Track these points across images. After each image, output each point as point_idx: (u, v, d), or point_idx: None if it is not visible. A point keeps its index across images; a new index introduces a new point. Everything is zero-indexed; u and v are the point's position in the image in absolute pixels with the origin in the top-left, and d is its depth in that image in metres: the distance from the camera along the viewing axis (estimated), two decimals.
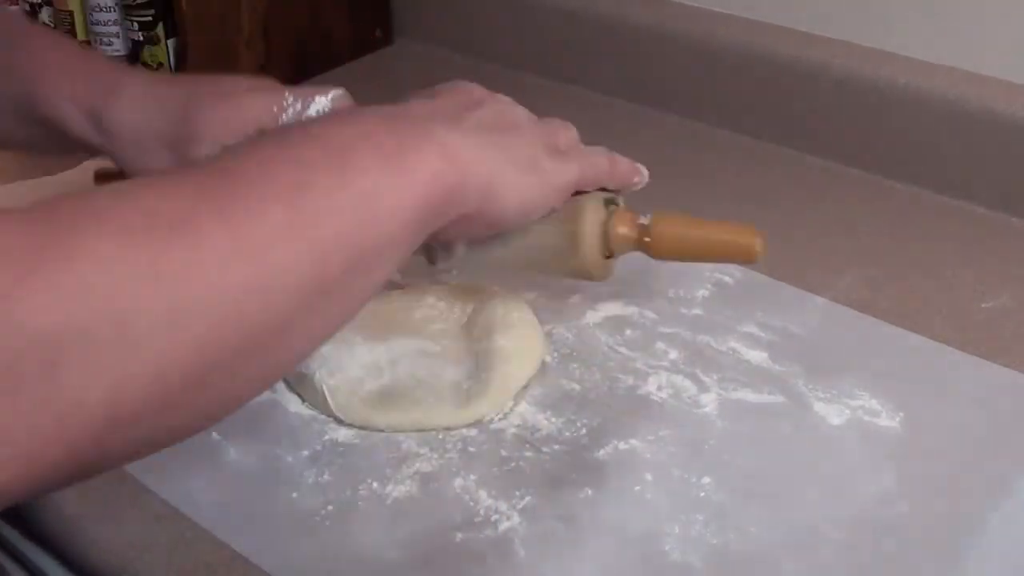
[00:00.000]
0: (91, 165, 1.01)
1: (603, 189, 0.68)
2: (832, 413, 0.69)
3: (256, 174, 0.45)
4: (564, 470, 0.65)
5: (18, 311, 0.35)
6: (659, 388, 0.71)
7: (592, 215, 0.66)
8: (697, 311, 0.78)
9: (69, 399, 0.37)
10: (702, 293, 0.80)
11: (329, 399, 0.68)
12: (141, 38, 1.05)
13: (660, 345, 0.74)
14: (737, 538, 0.61)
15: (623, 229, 0.67)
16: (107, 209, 0.40)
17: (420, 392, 0.68)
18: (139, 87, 0.66)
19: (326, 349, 0.68)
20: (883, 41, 0.93)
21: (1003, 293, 0.80)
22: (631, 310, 0.77)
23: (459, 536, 0.61)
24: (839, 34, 0.95)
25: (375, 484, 0.64)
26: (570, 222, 0.65)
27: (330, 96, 0.66)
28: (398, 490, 0.64)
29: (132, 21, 1.05)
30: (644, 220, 0.67)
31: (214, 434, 0.68)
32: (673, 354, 0.74)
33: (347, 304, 0.48)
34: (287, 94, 0.65)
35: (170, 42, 1.06)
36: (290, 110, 0.65)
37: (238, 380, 0.44)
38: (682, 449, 0.66)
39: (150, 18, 1.04)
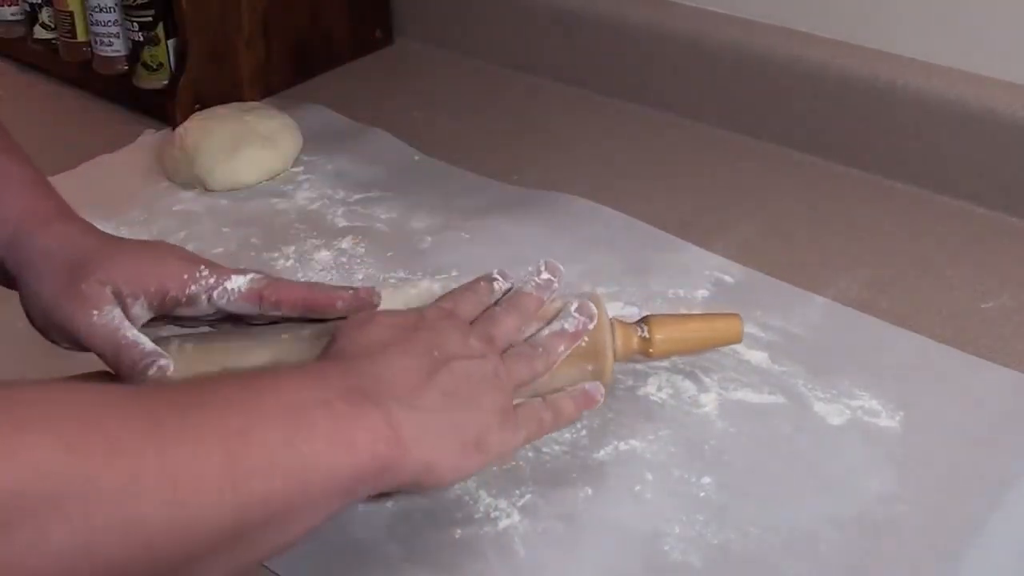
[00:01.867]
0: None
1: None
2: (832, 413, 0.69)
3: (208, 414, 0.47)
4: (564, 470, 0.65)
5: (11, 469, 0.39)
6: (659, 388, 0.71)
7: (611, 352, 0.66)
8: (697, 311, 0.78)
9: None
10: (702, 293, 0.80)
11: None
12: (141, 38, 1.05)
13: None
14: (737, 538, 0.61)
15: (629, 345, 0.68)
16: (59, 417, 0.43)
17: None
18: (74, 223, 0.66)
19: None
20: (883, 41, 0.93)
21: (1003, 293, 0.80)
22: (631, 310, 0.77)
23: (459, 532, 0.61)
24: (839, 34, 0.95)
25: None
26: (593, 358, 0.66)
27: (248, 277, 0.64)
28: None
29: (132, 21, 1.05)
30: (642, 331, 0.68)
31: None
32: None
33: (255, 553, 0.49)
34: (203, 267, 0.64)
35: (170, 42, 1.06)
36: (202, 282, 0.64)
37: None
38: (682, 449, 0.66)
39: (150, 18, 1.04)
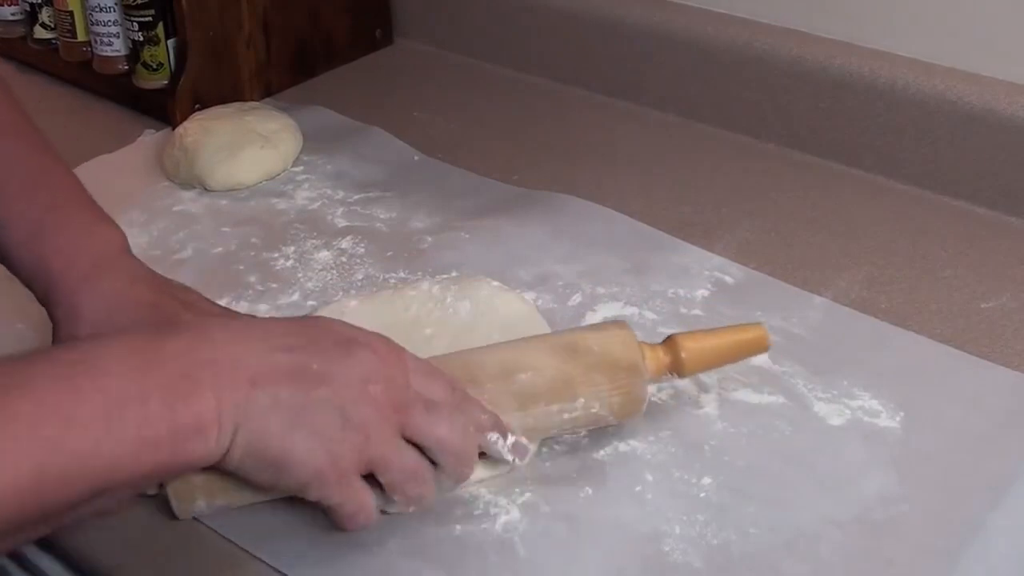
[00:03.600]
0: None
1: None
2: (832, 413, 0.69)
3: (22, 423, 0.46)
4: (564, 470, 0.65)
5: None
6: (659, 389, 0.71)
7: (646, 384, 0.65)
8: (697, 311, 0.78)
9: None
10: (702, 293, 0.80)
11: None
12: (141, 38, 1.05)
13: None
14: (737, 538, 0.61)
15: (658, 369, 0.65)
16: None
17: None
18: (118, 283, 0.67)
19: None
20: (883, 41, 0.93)
21: (1003, 293, 0.80)
22: (631, 310, 0.78)
23: (458, 528, 0.61)
24: (839, 34, 0.95)
25: None
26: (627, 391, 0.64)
27: None
28: None
29: (132, 21, 1.05)
30: (667, 354, 0.65)
31: None
32: None
33: (58, 527, 0.51)
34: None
35: (170, 42, 1.06)
36: None
37: None
38: (682, 449, 0.66)
39: (150, 18, 1.04)
